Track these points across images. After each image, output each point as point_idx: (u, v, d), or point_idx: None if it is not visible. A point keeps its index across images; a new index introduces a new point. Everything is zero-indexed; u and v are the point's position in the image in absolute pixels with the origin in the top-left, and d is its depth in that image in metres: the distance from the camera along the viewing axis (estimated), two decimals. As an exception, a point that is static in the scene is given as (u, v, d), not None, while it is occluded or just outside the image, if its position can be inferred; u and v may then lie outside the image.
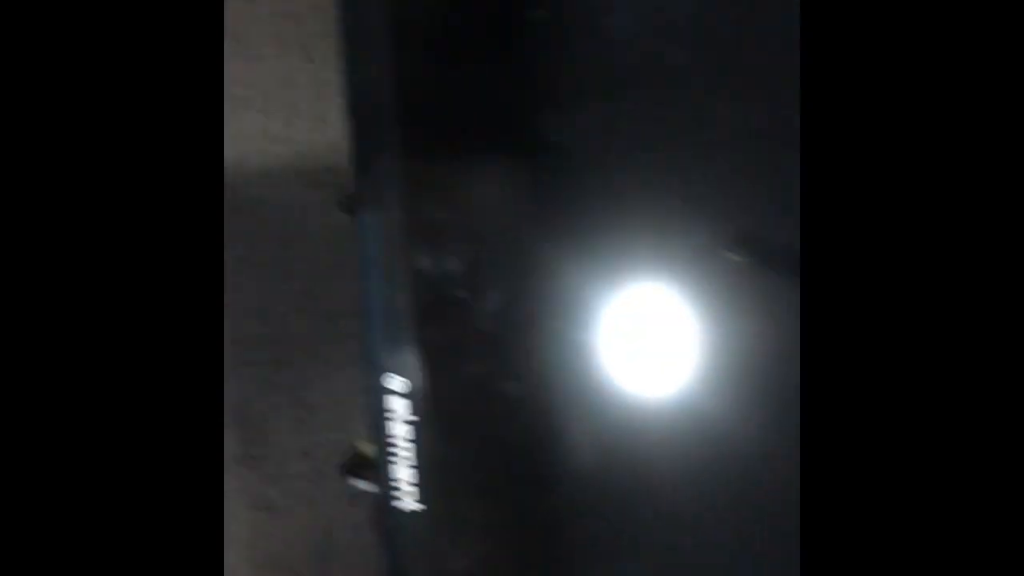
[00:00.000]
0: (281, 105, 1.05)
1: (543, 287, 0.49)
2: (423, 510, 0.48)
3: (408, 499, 0.48)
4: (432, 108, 0.50)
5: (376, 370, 0.49)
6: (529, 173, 0.50)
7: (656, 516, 0.48)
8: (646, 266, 0.47)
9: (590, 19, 0.49)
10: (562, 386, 0.49)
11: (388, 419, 0.49)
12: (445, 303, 0.50)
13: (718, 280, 0.46)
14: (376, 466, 0.48)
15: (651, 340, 0.47)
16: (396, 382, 0.49)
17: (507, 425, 0.50)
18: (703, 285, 0.46)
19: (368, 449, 0.49)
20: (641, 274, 0.48)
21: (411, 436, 0.48)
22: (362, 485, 0.50)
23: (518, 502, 0.50)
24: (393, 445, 0.49)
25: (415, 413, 0.48)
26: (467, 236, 0.50)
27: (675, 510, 0.48)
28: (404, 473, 0.49)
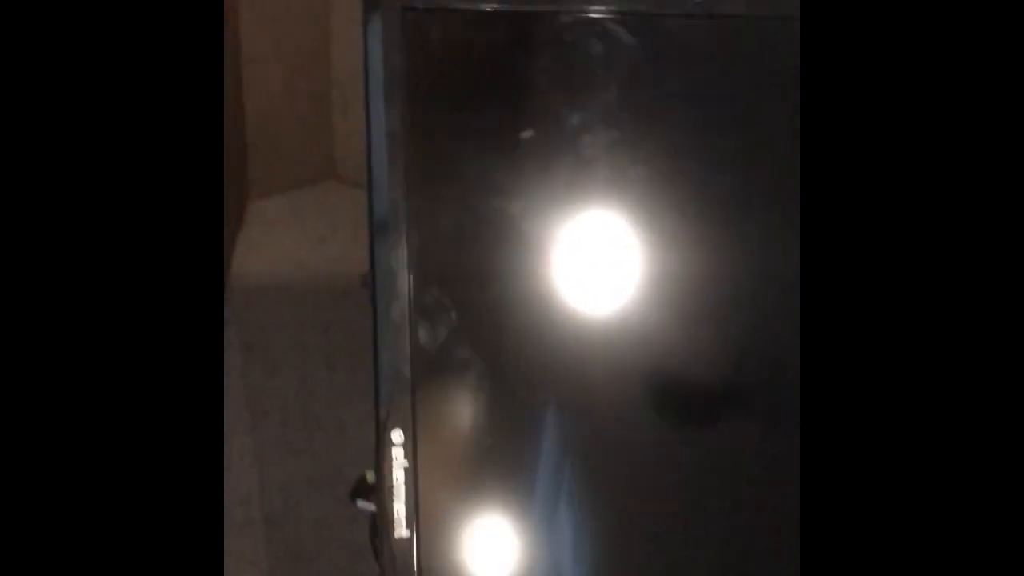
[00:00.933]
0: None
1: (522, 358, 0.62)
2: (409, 537, 0.60)
3: (399, 525, 0.60)
4: (432, 219, 0.64)
5: (380, 421, 0.61)
6: (520, 265, 0.63)
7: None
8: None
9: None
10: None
11: (388, 461, 0.61)
12: (438, 370, 0.62)
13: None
14: (376, 491, 0.60)
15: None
16: (395, 433, 0.61)
17: (486, 474, 0.62)
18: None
19: (372, 478, 0.62)
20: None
21: (405, 471, 0.61)
22: (364, 505, 0.62)
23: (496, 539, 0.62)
24: (389, 482, 0.61)
25: (407, 459, 0.61)
26: (458, 316, 0.63)
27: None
28: (398, 506, 0.61)
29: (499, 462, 0.62)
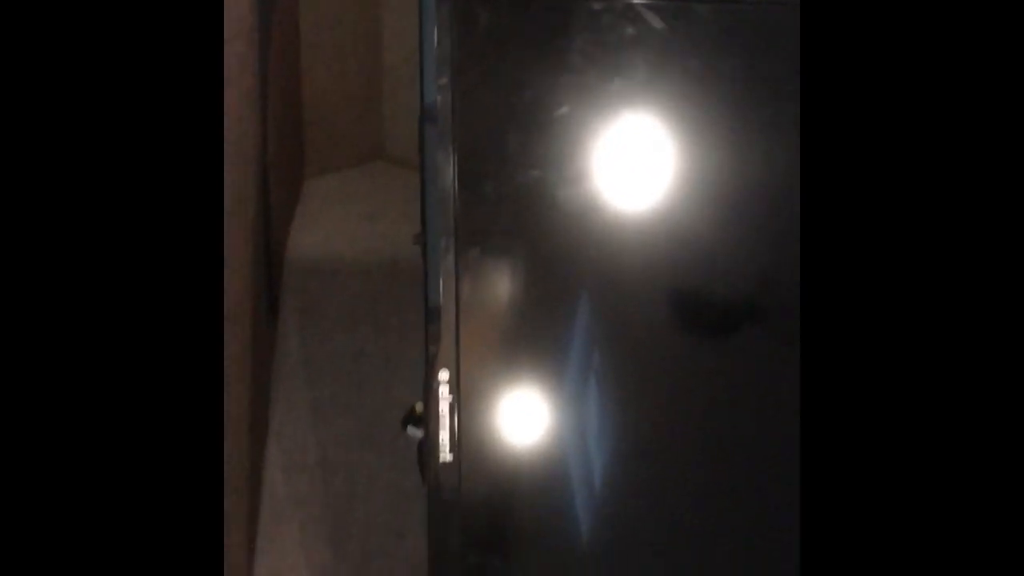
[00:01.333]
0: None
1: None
2: (452, 460, 0.69)
3: (444, 451, 0.69)
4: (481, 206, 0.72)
5: (430, 363, 0.70)
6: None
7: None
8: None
9: None
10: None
11: (435, 397, 0.70)
12: (480, 295, 0.70)
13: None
14: (425, 421, 0.69)
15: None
16: (443, 373, 0.70)
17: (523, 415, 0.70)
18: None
19: (420, 409, 0.71)
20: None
21: (449, 405, 0.69)
22: (413, 432, 0.71)
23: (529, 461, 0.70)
24: (436, 413, 0.69)
25: (452, 395, 0.69)
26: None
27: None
28: (443, 434, 0.69)
29: (560, 398, 0.71)
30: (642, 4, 0.72)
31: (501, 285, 0.73)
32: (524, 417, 0.71)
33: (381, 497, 1.08)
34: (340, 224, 1.46)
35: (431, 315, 0.70)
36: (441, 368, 0.70)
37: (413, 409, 0.73)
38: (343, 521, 1.07)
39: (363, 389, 1.21)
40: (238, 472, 0.96)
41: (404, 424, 0.73)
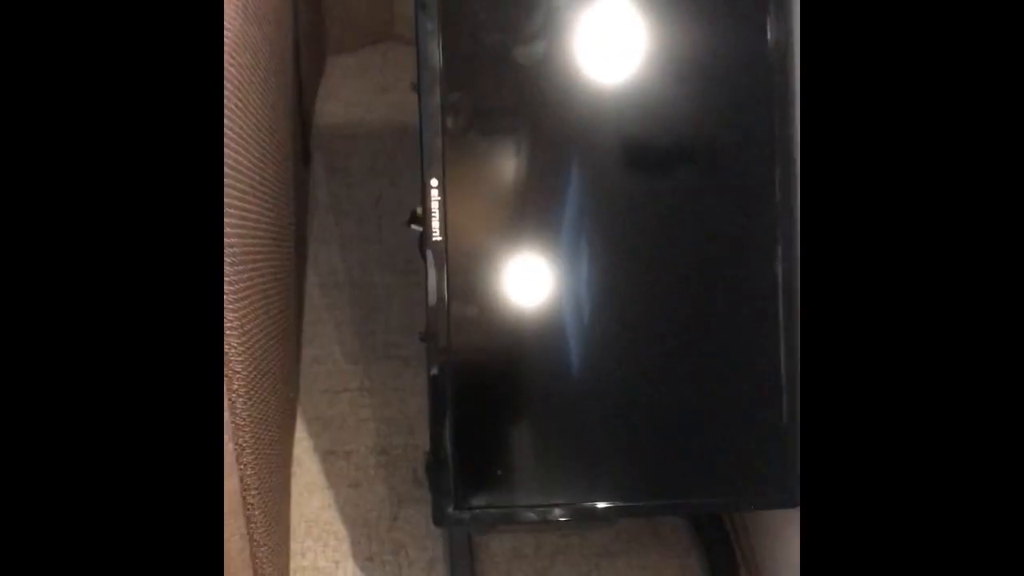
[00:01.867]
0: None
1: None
2: (441, 240, 0.98)
3: (435, 234, 0.98)
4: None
5: (425, 174, 0.98)
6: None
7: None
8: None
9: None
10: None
11: (428, 198, 0.98)
12: (467, 137, 0.98)
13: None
14: (422, 219, 0.98)
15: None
16: (433, 180, 0.98)
17: (507, 208, 0.99)
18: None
19: (420, 211, 0.99)
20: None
21: (438, 203, 0.98)
22: (415, 227, 1.00)
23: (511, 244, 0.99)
24: (430, 209, 0.98)
25: (440, 196, 0.98)
26: (481, 100, 0.98)
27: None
28: (435, 222, 0.98)
29: (516, 196, 0.99)
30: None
31: (476, 119, 1.00)
32: (497, 210, 1.00)
33: (397, 305, 1.39)
34: (358, 95, 1.72)
35: (424, 137, 0.98)
36: (432, 177, 0.98)
37: (414, 212, 1.02)
38: (367, 322, 1.38)
39: (381, 225, 1.50)
40: (288, 283, 1.26)
41: (409, 223, 1.02)
